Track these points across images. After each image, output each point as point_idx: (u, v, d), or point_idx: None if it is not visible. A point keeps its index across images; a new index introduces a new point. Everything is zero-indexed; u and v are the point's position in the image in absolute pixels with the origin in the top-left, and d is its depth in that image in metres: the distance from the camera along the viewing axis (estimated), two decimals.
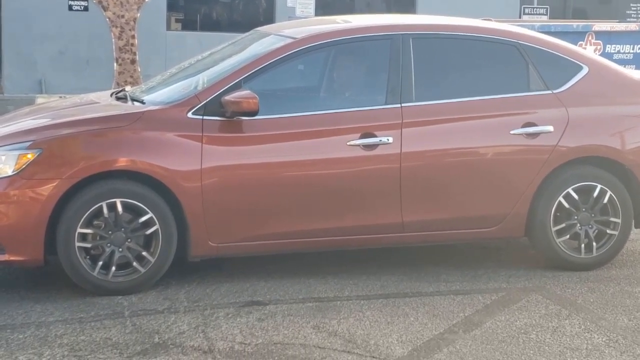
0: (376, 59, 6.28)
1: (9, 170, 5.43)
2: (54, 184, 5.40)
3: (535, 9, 18.28)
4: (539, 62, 6.34)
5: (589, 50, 11.75)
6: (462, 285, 5.94)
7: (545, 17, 17.82)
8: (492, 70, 6.44)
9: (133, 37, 12.80)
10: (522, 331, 5.10)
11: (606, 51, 12.65)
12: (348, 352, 4.74)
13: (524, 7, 18.62)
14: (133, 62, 12.82)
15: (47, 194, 5.39)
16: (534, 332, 5.08)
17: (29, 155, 5.44)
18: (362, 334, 5.01)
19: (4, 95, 16.82)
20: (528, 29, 7.12)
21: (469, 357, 4.70)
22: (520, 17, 18.09)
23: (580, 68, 6.40)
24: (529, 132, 6.15)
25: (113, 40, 12.87)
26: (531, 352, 4.79)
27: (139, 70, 12.90)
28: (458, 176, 6.06)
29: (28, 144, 5.50)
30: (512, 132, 6.14)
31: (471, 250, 6.79)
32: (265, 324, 5.13)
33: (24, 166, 5.41)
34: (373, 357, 4.68)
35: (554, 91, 6.28)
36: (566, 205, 6.19)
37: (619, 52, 12.79)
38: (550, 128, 6.17)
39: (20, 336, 4.90)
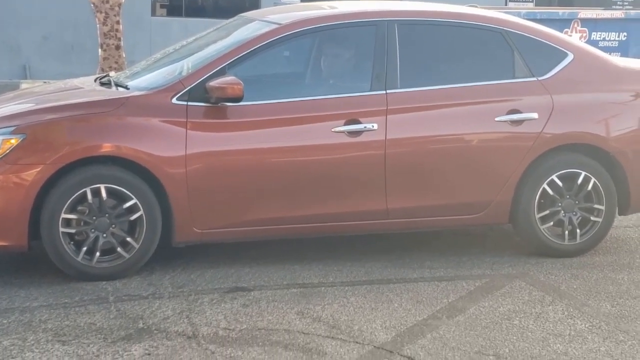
0: (361, 45, 6.28)
1: None
2: (38, 169, 5.38)
3: None
4: (524, 49, 6.35)
5: (574, 37, 11.78)
6: (446, 272, 5.96)
7: (531, 4, 17.86)
8: (477, 57, 6.44)
9: (118, 22, 12.74)
10: (506, 317, 5.12)
11: (592, 38, 12.70)
12: (332, 337, 4.75)
13: None
14: (118, 47, 12.76)
15: (31, 179, 5.37)
16: (517, 318, 5.11)
17: (13, 141, 5.41)
18: (346, 319, 5.02)
19: None
20: (514, 16, 7.12)
21: (452, 342, 4.72)
22: (506, 5, 18.12)
23: (566, 55, 6.41)
24: (514, 119, 6.16)
25: (97, 25, 12.80)
26: (514, 337, 4.82)
27: (124, 56, 12.84)
28: (443, 163, 6.07)
29: (12, 129, 5.47)
30: (496, 119, 6.15)
31: (455, 237, 6.81)
32: (250, 310, 5.14)
33: (7, 151, 5.39)
34: (357, 342, 4.69)
35: (539, 78, 6.29)
36: (550, 192, 6.22)
37: (604, 39, 12.84)
38: (535, 115, 6.18)
39: (4, 321, 4.89)
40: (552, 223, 6.27)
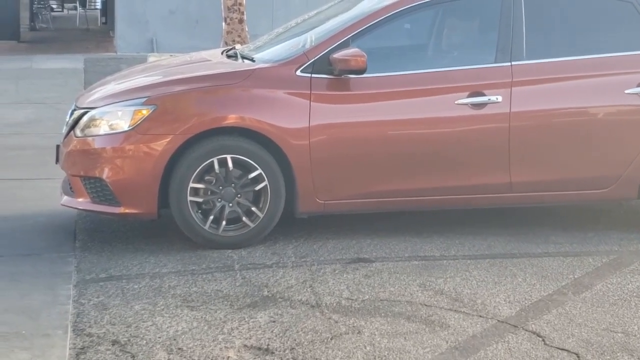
0: (486, 16, 6.19)
1: (124, 126, 5.59)
2: (168, 140, 5.54)
3: None
4: None
5: None
6: (572, 247, 5.85)
7: None
8: (606, 27, 6.27)
9: None
10: (635, 294, 5.00)
11: None
12: (455, 310, 4.75)
13: None
14: (241, 21, 12.94)
15: (160, 149, 5.53)
16: None
17: (144, 111, 5.58)
18: (469, 293, 5.00)
19: (117, 54, 17.25)
20: None
21: (578, 319, 4.65)
22: None
23: None
24: None
25: (221, 0, 13.01)
26: None
27: (247, 29, 13.02)
28: (569, 137, 5.95)
29: (143, 100, 5.65)
30: (626, 91, 5.98)
31: (581, 212, 6.67)
32: (372, 281, 5.18)
33: (139, 122, 5.57)
34: (480, 316, 4.67)
35: None
36: None
37: None
38: None
39: (136, 286, 5.07)
40: None
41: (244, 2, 12.96)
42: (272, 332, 4.45)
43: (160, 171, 5.55)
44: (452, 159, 5.87)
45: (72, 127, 5.83)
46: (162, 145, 5.53)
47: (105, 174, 5.60)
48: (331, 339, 4.38)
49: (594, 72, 6.02)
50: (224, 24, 12.99)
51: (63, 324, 4.53)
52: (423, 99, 5.87)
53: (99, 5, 25.49)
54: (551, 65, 6.00)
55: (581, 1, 6.25)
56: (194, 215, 5.62)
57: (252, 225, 5.70)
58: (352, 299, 4.89)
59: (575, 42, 6.19)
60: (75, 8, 26.33)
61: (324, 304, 4.82)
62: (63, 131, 6.04)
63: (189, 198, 5.59)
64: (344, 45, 5.79)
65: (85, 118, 5.75)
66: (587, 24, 6.27)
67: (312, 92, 5.71)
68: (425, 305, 4.82)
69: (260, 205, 5.69)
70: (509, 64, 5.92)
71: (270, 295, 4.95)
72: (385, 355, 4.20)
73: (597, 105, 6.01)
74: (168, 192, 5.60)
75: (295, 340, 4.36)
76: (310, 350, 4.24)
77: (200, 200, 5.64)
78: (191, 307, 4.77)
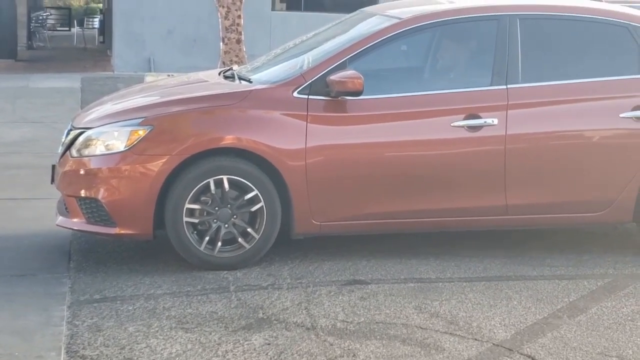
0: (482, 39, 6.23)
1: (121, 146, 5.59)
2: (164, 160, 5.54)
3: None
4: None
5: None
6: (567, 270, 5.85)
7: None
8: (600, 52, 6.31)
9: (239, 17, 12.95)
10: (629, 318, 5.00)
11: None
12: (450, 333, 4.74)
13: None
14: (239, 41, 12.98)
15: (157, 170, 5.54)
16: None
17: (141, 132, 5.59)
18: (464, 316, 5.00)
19: (114, 73, 17.30)
20: None
21: (573, 342, 4.64)
22: None
23: None
24: (639, 116, 6.00)
25: (219, 20, 13.05)
26: (639, 339, 4.70)
27: (244, 49, 13.06)
28: (564, 159, 5.97)
29: (140, 120, 5.65)
30: (621, 115, 6.00)
31: (576, 235, 6.67)
32: (367, 303, 5.17)
33: (135, 142, 5.57)
34: (475, 339, 4.66)
35: None
36: None
37: None
38: None
39: (130, 308, 5.06)
40: None
41: (242, 22, 13.01)
42: (267, 354, 4.44)
43: (156, 192, 5.55)
44: (448, 181, 5.88)
45: (68, 147, 5.83)
46: (159, 166, 5.53)
47: (101, 194, 5.60)
48: None
49: (589, 96, 6.04)
50: (221, 44, 13.03)
51: (56, 345, 4.51)
52: (419, 121, 5.88)
53: (96, 24, 25.56)
54: (547, 88, 6.02)
55: (576, 25, 6.27)
56: (189, 236, 5.62)
57: (247, 246, 5.69)
58: (348, 322, 4.88)
59: (571, 66, 6.21)
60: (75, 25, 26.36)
61: (319, 327, 4.81)
62: (59, 151, 6.04)
63: (185, 219, 5.59)
64: (341, 67, 5.81)
65: (81, 138, 5.76)
66: (582, 47, 6.31)
67: (308, 113, 5.73)
68: (421, 328, 4.81)
69: (256, 227, 5.69)
70: (505, 87, 5.95)
71: (265, 317, 4.94)
72: None
73: (593, 128, 6.03)
74: (164, 213, 5.60)
75: None
76: None
77: (196, 221, 5.63)
78: (186, 329, 4.76)
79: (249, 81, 6.12)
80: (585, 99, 6.04)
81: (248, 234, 5.69)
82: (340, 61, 5.85)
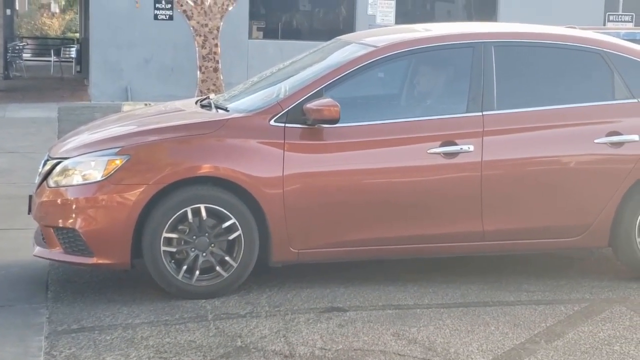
0: (457, 67, 6.28)
1: (98, 176, 5.59)
2: (141, 190, 5.54)
3: (620, 16, 17.97)
4: (625, 70, 6.26)
5: None
6: (544, 295, 5.88)
7: (630, 24, 17.50)
8: (575, 78, 6.38)
9: (216, 45, 13.02)
10: (606, 342, 5.03)
11: None
12: None
13: (609, 14, 18.32)
14: (216, 70, 13.04)
15: (134, 199, 5.53)
16: (618, 344, 5.01)
17: (118, 161, 5.59)
18: (442, 342, 5.01)
19: (91, 102, 17.27)
20: (613, 36, 7.02)
21: None
22: (604, 25, 17.79)
23: None
24: (614, 141, 6.07)
25: (197, 48, 13.11)
26: None
27: (222, 78, 13.11)
28: (540, 185, 6.02)
29: (117, 150, 5.65)
30: (596, 141, 6.07)
31: (553, 260, 6.72)
32: (345, 330, 5.17)
33: (112, 172, 5.57)
34: None
35: None
36: None
37: None
38: (636, 137, 6.08)
39: (108, 337, 5.03)
40: None
41: (219, 50, 13.07)
42: None
43: (134, 221, 5.54)
44: (425, 207, 5.91)
45: (45, 177, 5.82)
46: (136, 195, 5.53)
47: (78, 224, 5.58)
48: None
49: (564, 122, 6.11)
50: (199, 72, 13.08)
51: None
52: (396, 149, 5.92)
53: (73, 54, 25.54)
54: (522, 115, 6.08)
55: (551, 52, 6.35)
56: (167, 265, 5.61)
57: (225, 274, 5.69)
58: (326, 349, 4.88)
59: (546, 93, 6.28)
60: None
61: (298, 354, 4.80)
62: (36, 181, 6.02)
63: (162, 248, 5.58)
64: (318, 95, 5.85)
65: (58, 168, 5.75)
66: (557, 74, 6.38)
67: (285, 141, 5.75)
68: (399, 354, 4.82)
69: (234, 255, 5.69)
70: (480, 113, 6.00)
71: (243, 345, 4.93)
72: None
73: (568, 154, 6.09)
74: (141, 242, 5.59)
75: None
76: None
77: (174, 250, 5.63)
78: (164, 358, 4.74)
79: (226, 110, 6.14)
80: (560, 125, 6.10)
81: (226, 262, 5.69)
82: (317, 89, 5.88)
